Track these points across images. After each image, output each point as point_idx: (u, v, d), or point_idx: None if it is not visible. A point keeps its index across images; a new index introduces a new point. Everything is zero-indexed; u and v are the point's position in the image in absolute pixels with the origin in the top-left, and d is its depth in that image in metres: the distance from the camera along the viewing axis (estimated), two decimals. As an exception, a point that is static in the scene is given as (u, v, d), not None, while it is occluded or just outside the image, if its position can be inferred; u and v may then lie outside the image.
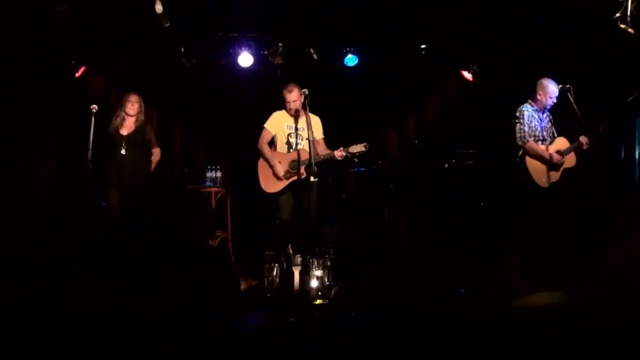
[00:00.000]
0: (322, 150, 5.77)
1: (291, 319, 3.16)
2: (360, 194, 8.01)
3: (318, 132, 5.83)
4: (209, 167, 7.31)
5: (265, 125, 5.83)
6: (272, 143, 5.86)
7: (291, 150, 5.73)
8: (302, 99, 5.56)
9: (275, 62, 7.43)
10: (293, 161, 5.64)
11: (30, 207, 6.51)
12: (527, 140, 5.70)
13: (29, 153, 6.79)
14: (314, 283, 3.99)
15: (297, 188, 5.67)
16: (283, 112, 5.83)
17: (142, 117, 6.17)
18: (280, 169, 5.63)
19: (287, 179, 5.62)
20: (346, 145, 5.55)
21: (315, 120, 5.83)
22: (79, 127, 6.08)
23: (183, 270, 2.99)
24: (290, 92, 5.68)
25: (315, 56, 7.44)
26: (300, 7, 6.52)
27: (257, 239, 6.25)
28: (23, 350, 2.03)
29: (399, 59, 7.72)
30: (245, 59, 7.26)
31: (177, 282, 2.79)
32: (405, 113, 8.83)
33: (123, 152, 5.97)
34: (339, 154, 5.56)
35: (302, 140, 5.70)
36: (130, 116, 6.08)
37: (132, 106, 6.06)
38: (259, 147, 5.78)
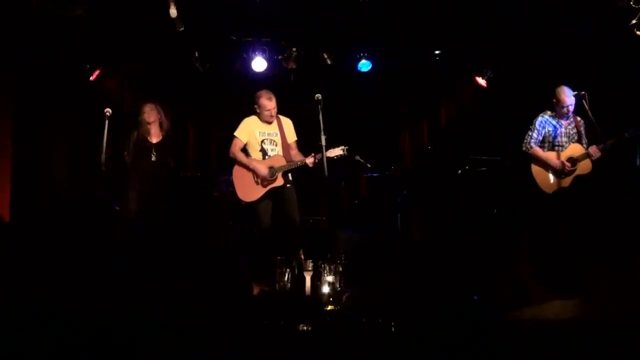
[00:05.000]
0: (295, 154, 5.65)
1: (302, 325, 3.15)
2: (373, 199, 7.98)
3: (292, 135, 5.73)
4: (222, 170, 7.32)
5: (235, 134, 5.63)
6: (244, 151, 5.68)
7: (266, 157, 5.59)
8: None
9: (289, 67, 7.43)
10: (270, 168, 5.51)
11: (45, 206, 6.57)
12: (531, 147, 5.83)
13: (45, 154, 6.86)
14: (326, 289, 3.96)
15: (275, 195, 5.58)
16: (254, 118, 5.66)
17: (166, 126, 6.13)
18: (263, 170, 5.48)
19: (265, 186, 5.52)
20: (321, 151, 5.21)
21: (288, 123, 5.75)
22: (94, 130, 6.11)
23: (195, 274, 3.00)
24: (270, 99, 5.53)
25: (328, 61, 7.43)
26: (314, 12, 6.53)
27: (271, 243, 6.23)
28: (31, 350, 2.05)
29: (413, 64, 7.71)
30: (259, 64, 7.27)
31: (188, 286, 2.80)
32: (419, 118, 8.81)
33: (153, 158, 5.96)
34: (310, 160, 5.43)
35: (276, 145, 5.63)
36: (151, 123, 6.04)
37: (149, 114, 6.01)
38: (231, 155, 5.62)
